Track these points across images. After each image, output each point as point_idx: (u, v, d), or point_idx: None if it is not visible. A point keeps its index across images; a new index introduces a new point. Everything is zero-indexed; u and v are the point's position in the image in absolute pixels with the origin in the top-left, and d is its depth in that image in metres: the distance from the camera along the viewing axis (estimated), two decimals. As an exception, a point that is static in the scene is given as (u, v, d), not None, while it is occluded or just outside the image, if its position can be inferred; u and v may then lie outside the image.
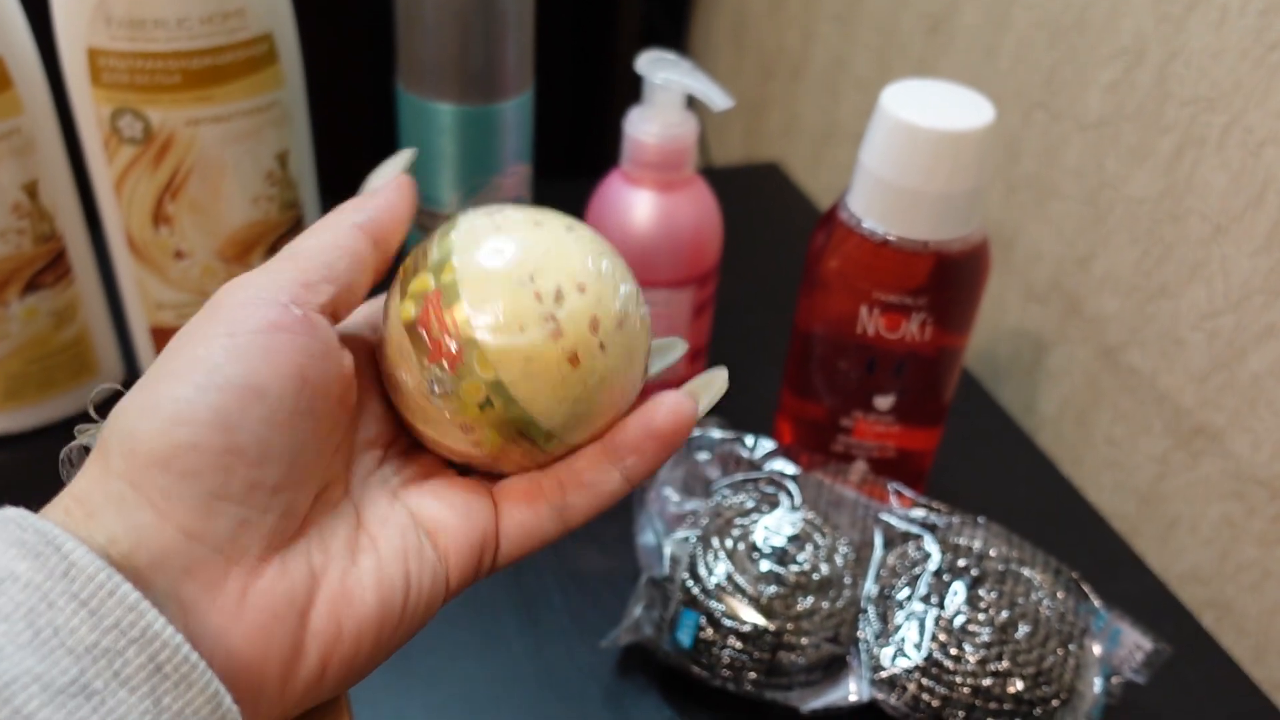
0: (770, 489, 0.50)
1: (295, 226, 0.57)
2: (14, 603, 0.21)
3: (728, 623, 0.45)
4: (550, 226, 0.29)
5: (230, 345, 0.25)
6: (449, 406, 0.28)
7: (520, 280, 0.27)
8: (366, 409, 0.30)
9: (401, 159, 0.31)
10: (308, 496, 0.27)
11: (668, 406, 0.29)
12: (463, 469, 0.32)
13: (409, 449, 0.31)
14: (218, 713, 0.22)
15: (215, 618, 0.24)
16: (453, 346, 0.27)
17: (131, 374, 0.61)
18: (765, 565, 0.46)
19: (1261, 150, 0.50)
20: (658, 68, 0.50)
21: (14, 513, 0.23)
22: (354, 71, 1.00)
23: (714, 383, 0.30)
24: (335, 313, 0.28)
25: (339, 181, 0.81)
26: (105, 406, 0.26)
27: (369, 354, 0.31)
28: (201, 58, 0.49)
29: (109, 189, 0.53)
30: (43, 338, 0.55)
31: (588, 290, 0.28)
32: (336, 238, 0.28)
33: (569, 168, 1.13)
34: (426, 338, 0.27)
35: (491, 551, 0.29)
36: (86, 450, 0.26)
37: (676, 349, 0.32)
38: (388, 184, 0.30)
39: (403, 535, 0.28)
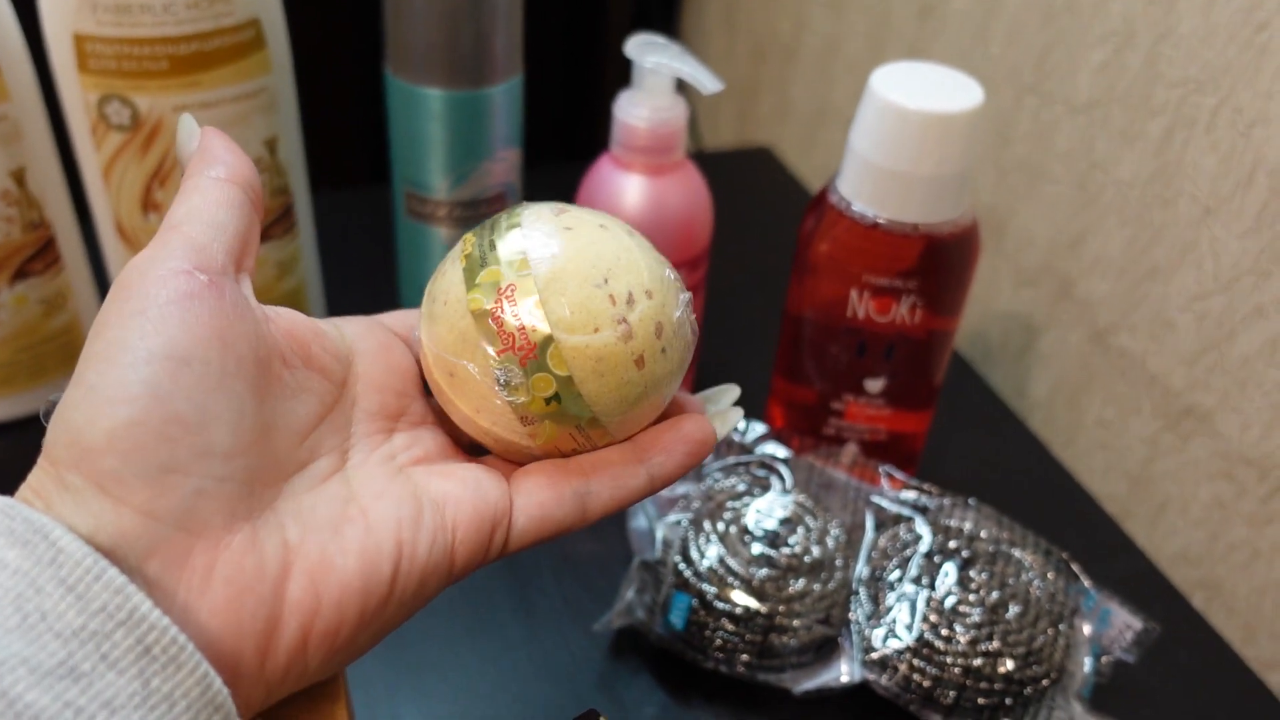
0: (762, 472, 0.50)
1: (285, 212, 0.57)
2: (3, 589, 0.21)
3: (720, 605, 0.45)
4: (614, 231, 0.30)
5: (145, 321, 0.25)
6: (514, 398, 0.28)
7: (595, 282, 0.28)
8: (365, 381, 0.30)
9: (187, 121, 0.31)
10: (274, 462, 0.26)
11: (695, 421, 0.31)
12: (475, 450, 0.32)
13: (418, 424, 0.31)
14: (207, 694, 0.22)
15: (182, 595, 0.24)
16: (527, 341, 0.27)
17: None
18: (757, 548, 0.47)
19: (1251, 131, 0.50)
20: (647, 51, 0.50)
21: (3, 502, 0.23)
22: (342, 57, 1.00)
23: (729, 417, 0.33)
24: (239, 263, 0.28)
25: (328, 167, 0.81)
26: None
27: (363, 341, 0.31)
28: (188, 43, 0.49)
29: (97, 176, 0.53)
30: (32, 326, 0.55)
31: (654, 297, 0.29)
32: (207, 195, 0.28)
33: (558, 152, 1.13)
34: (499, 330, 0.28)
35: (504, 529, 0.29)
36: None
37: (735, 415, 0.33)
38: (205, 136, 0.30)
39: (398, 505, 0.28)
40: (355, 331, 0.31)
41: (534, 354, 0.28)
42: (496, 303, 0.28)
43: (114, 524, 0.23)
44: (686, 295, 0.30)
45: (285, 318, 0.29)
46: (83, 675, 0.21)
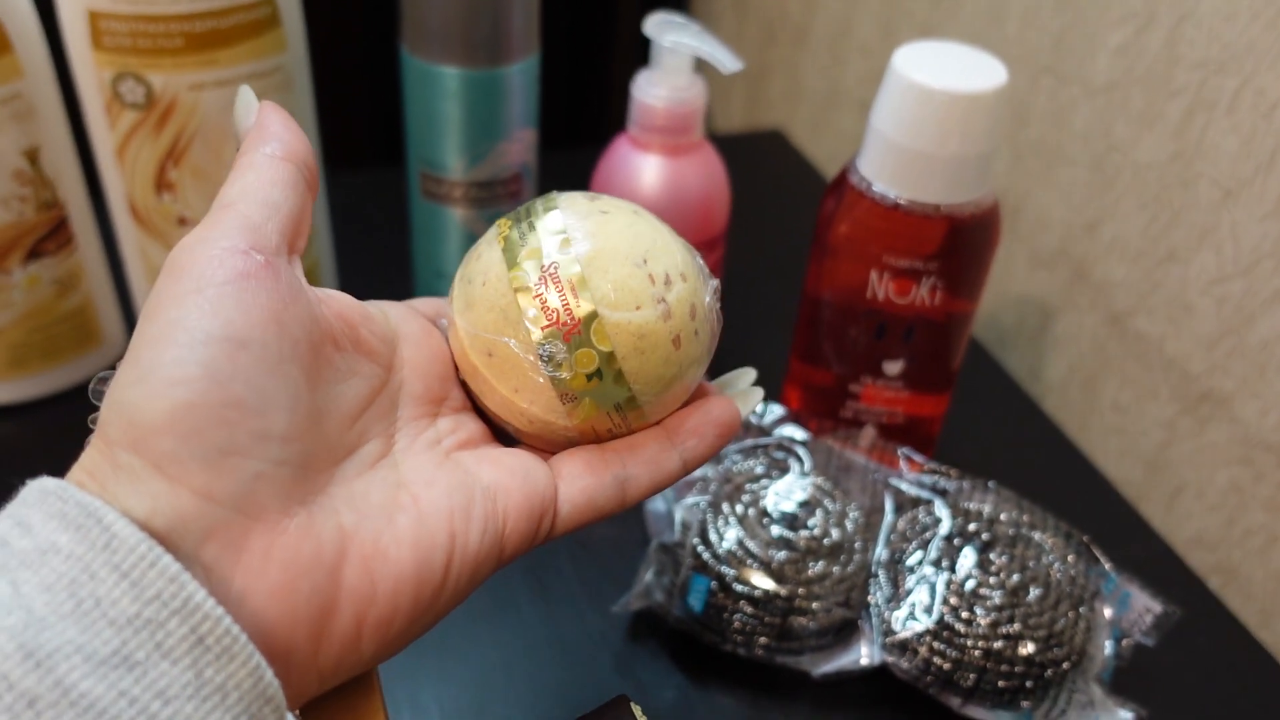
0: (780, 455, 0.50)
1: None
2: (56, 574, 0.21)
3: (738, 588, 0.45)
4: (646, 217, 0.30)
5: (202, 301, 0.24)
6: (556, 375, 0.28)
7: (636, 262, 0.28)
8: (409, 365, 0.30)
9: (246, 94, 0.31)
10: (326, 447, 0.26)
11: (722, 404, 0.31)
12: (506, 439, 0.32)
13: (460, 410, 0.31)
14: (259, 686, 0.22)
15: (239, 579, 0.23)
16: (572, 317, 0.28)
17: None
18: (776, 530, 0.46)
19: (1273, 113, 0.50)
20: (666, 30, 0.50)
21: (53, 484, 0.22)
22: (357, 35, 0.99)
23: (750, 397, 0.33)
24: (292, 245, 0.28)
25: (342, 146, 0.81)
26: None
27: (407, 324, 0.31)
28: (204, 20, 0.49)
29: (111, 155, 0.52)
30: (45, 306, 0.55)
31: (688, 280, 0.29)
32: (262, 174, 0.28)
33: (569, 133, 1.13)
34: (543, 307, 0.28)
35: (550, 517, 0.29)
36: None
37: (756, 395, 0.33)
38: (261, 111, 0.30)
39: (449, 495, 0.28)
40: (398, 315, 0.31)
41: (578, 329, 0.28)
42: (540, 280, 0.28)
43: (171, 506, 0.23)
44: (715, 282, 0.31)
45: (335, 300, 0.29)
46: (137, 664, 0.20)
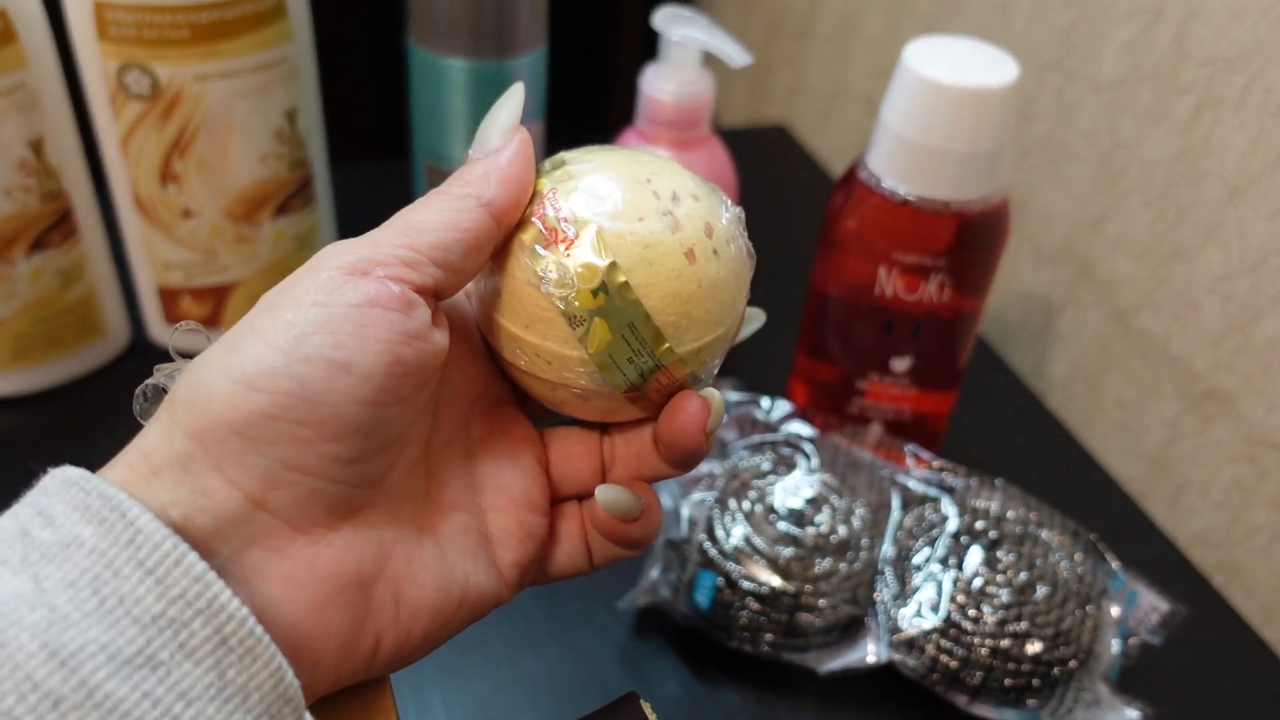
0: (787, 451, 0.50)
1: (304, 185, 0.56)
2: (80, 569, 0.21)
3: (745, 584, 0.45)
4: (653, 155, 0.29)
5: (321, 314, 0.24)
6: (560, 294, 0.26)
7: (638, 180, 0.27)
8: (454, 360, 0.29)
9: (514, 99, 0.28)
10: (384, 465, 0.26)
11: (684, 414, 0.28)
12: (537, 416, 0.31)
13: (492, 405, 0.30)
14: (279, 687, 0.22)
15: (279, 587, 0.23)
16: (570, 230, 0.26)
17: (138, 334, 0.61)
18: (782, 527, 0.46)
19: (1282, 111, 0.50)
20: (674, 24, 0.49)
21: (76, 474, 0.22)
22: (364, 27, 0.99)
23: (753, 319, 0.31)
24: (439, 292, 0.26)
25: (348, 139, 0.81)
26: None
27: (460, 312, 0.30)
28: (210, 11, 0.48)
29: (116, 146, 0.52)
30: (49, 297, 0.54)
31: (701, 200, 0.28)
32: (458, 216, 0.26)
33: (575, 126, 1.12)
34: (542, 226, 0.27)
35: (536, 573, 0.30)
36: (162, 390, 0.25)
37: (757, 319, 0.32)
38: (511, 146, 0.27)
39: (464, 533, 0.28)
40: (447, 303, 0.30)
41: (578, 240, 0.26)
42: (540, 202, 0.27)
43: (222, 505, 0.23)
44: (736, 210, 0.29)
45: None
46: (160, 664, 0.20)
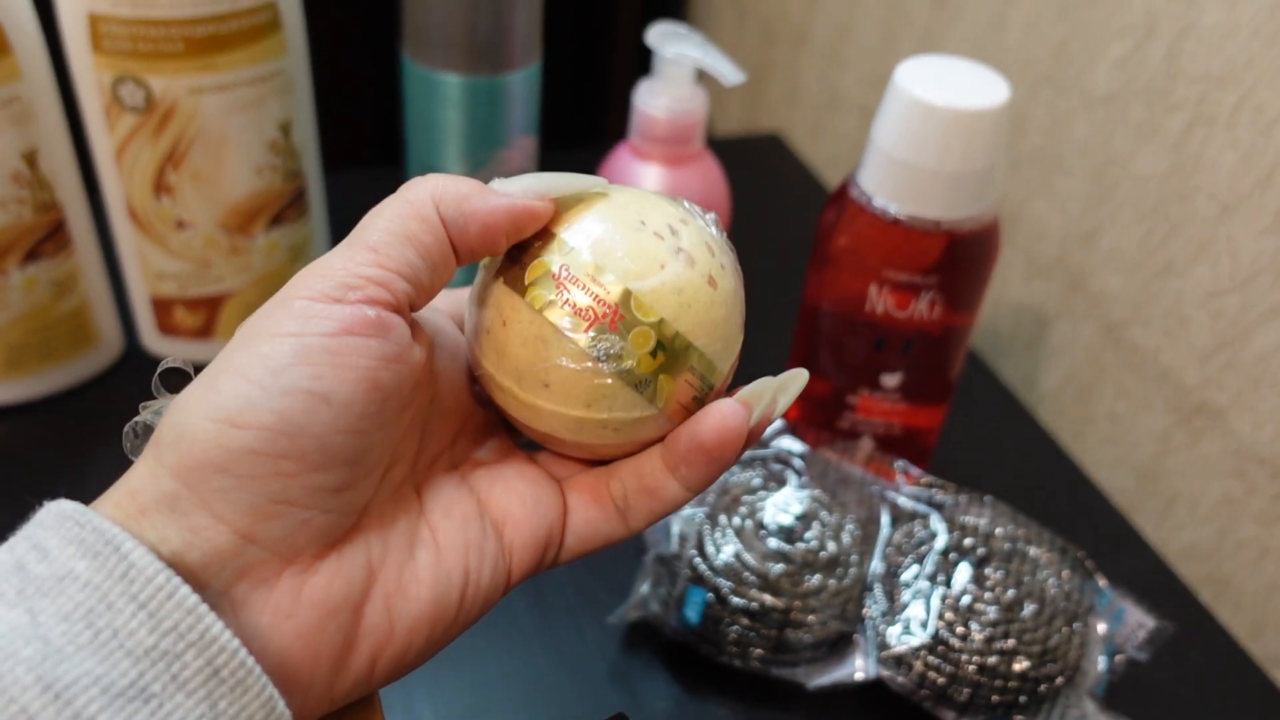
0: (777, 467, 0.50)
1: (298, 196, 0.56)
2: (74, 602, 0.21)
3: (735, 600, 0.45)
4: (614, 189, 0.29)
5: (298, 346, 0.23)
6: (622, 366, 0.27)
7: (635, 226, 0.27)
8: (443, 379, 0.29)
9: (578, 182, 0.28)
10: (370, 488, 0.26)
11: (714, 417, 0.27)
12: (530, 445, 0.31)
13: (480, 430, 0.30)
14: (271, 716, 0.22)
15: (267, 617, 0.23)
16: (608, 306, 0.27)
17: (132, 345, 0.61)
18: (772, 543, 0.47)
19: (1272, 129, 0.50)
20: (668, 41, 0.50)
21: (71, 508, 0.22)
22: (358, 41, 0.99)
23: (791, 383, 0.29)
24: (412, 304, 0.26)
25: (342, 151, 0.81)
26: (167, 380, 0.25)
27: (443, 335, 0.30)
28: (204, 25, 0.49)
29: (110, 158, 0.52)
30: (43, 308, 0.54)
31: (688, 223, 0.28)
32: (427, 237, 0.26)
33: (569, 140, 1.12)
34: (575, 310, 0.27)
35: (556, 547, 0.29)
36: (150, 427, 0.25)
37: (799, 379, 0.30)
38: (523, 202, 0.27)
39: (465, 528, 0.27)
40: (433, 324, 0.29)
41: (620, 314, 0.27)
42: (559, 288, 0.27)
43: (210, 541, 0.23)
44: (711, 214, 0.30)
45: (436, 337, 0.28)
46: (153, 696, 0.21)
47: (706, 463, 0.28)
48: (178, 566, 0.23)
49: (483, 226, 0.26)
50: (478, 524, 0.28)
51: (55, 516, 0.22)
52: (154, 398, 0.26)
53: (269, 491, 0.23)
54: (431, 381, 0.29)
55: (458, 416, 0.30)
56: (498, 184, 0.27)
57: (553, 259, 0.27)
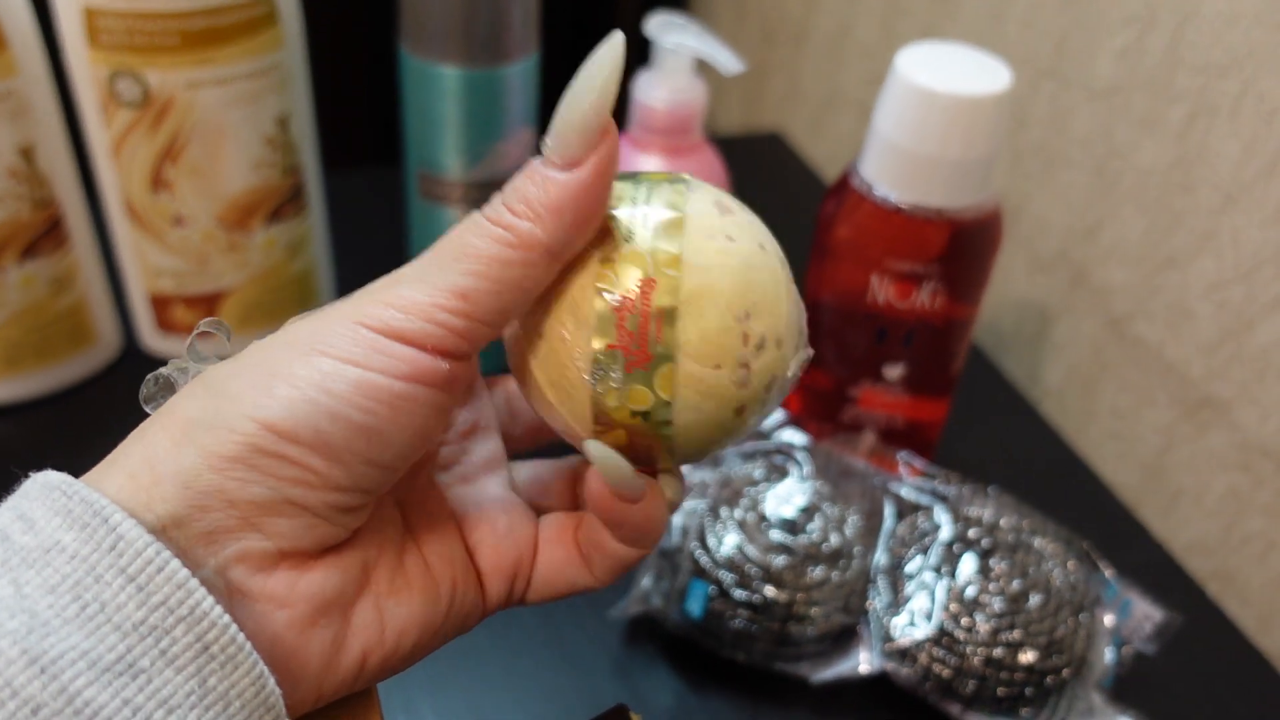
0: (779, 459, 0.50)
1: (296, 192, 0.56)
2: (60, 575, 0.20)
3: (737, 593, 0.45)
4: (770, 256, 0.26)
5: (361, 379, 0.23)
6: (601, 397, 0.25)
7: (738, 315, 0.25)
8: None
9: (608, 67, 0.23)
10: (373, 505, 0.26)
11: (595, 486, 0.26)
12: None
13: (471, 433, 0.30)
14: (261, 694, 0.22)
15: (261, 604, 0.23)
16: (646, 350, 0.24)
17: (130, 342, 0.60)
18: (775, 535, 0.46)
19: (1274, 119, 0.50)
20: (667, 31, 0.49)
21: (58, 479, 0.22)
22: (355, 34, 0.99)
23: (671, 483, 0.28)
24: (476, 348, 0.25)
25: (340, 146, 0.80)
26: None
27: None
28: (200, 18, 0.48)
29: (107, 153, 0.52)
30: (40, 305, 0.54)
31: (783, 347, 0.26)
32: (510, 268, 0.23)
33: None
34: (618, 322, 0.24)
35: (525, 580, 0.29)
36: (171, 383, 0.25)
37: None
38: (591, 164, 0.23)
39: (451, 544, 0.28)
40: None
41: (644, 366, 0.24)
42: (626, 294, 0.24)
43: (216, 519, 0.22)
44: (808, 352, 0.27)
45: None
46: (141, 672, 0.20)
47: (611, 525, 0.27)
48: (181, 533, 0.22)
49: (577, 229, 0.24)
50: (459, 543, 0.28)
51: (41, 487, 0.22)
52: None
53: (288, 494, 0.23)
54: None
55: (464, 426, 0.30)
56: (561, 145, 0.24)
57: (652, 263, 0.24)
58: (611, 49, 0.23)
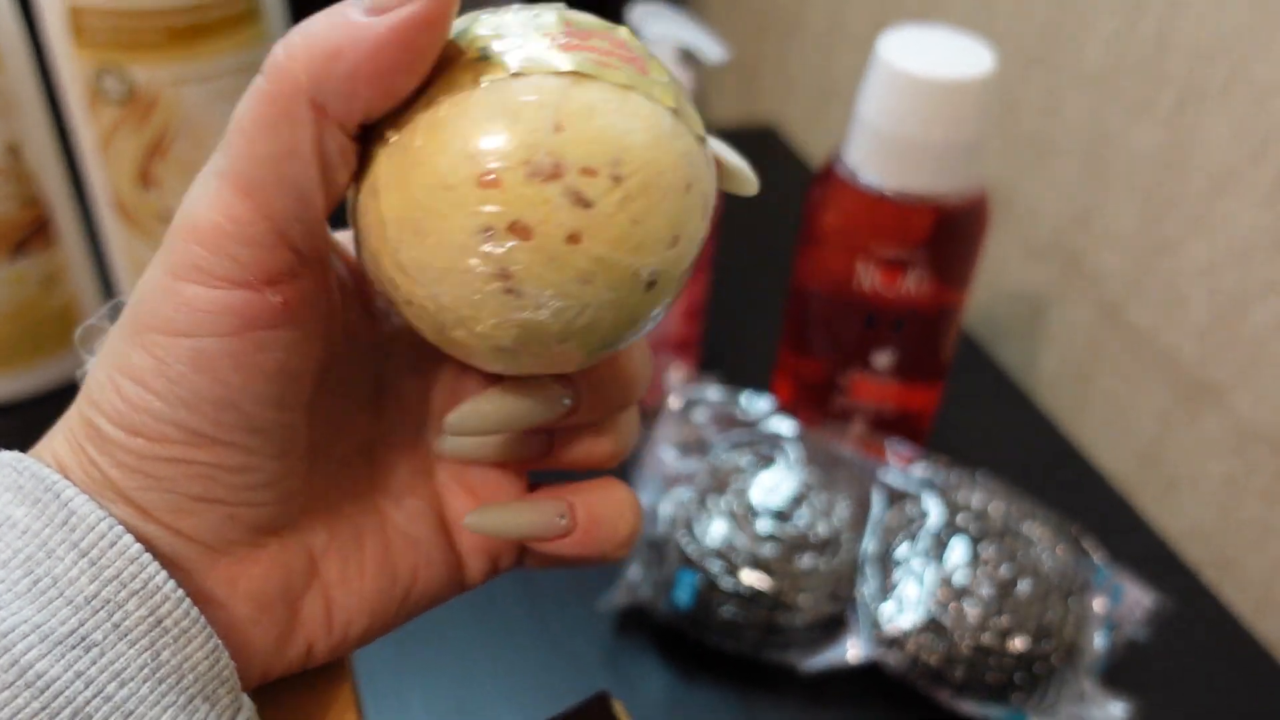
0: (768, 448, 0.50)
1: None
2: (11, 549, 0.20)
3: (725, 582, 0.45)
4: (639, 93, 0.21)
5: (193, 352, 0.20)
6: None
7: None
8: (400, 357, 0.26)
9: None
10: (302, 474, 0.24)
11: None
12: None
13: (454, 376, 0.27)
14: (215, 667, 0.22)
15: (199, 606, 0.22)
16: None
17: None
18: (763, 524, 0.46)
19: (1265, 101, 0.50)
20: (650, 20, 0.49)
21: (9, 456, 0.22)
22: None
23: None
24: (314, 240, 0.21)
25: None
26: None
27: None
28: (185, 15, 0.48)
29: (94, 150, 0.52)
30: (31, 304, 0.54)
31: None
32: (311, 145, 0.19)
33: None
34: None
35: (512, 555, 0.27)
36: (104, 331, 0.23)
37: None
38: (397, 15, 0.19)
39: (414, 522, 0.26)
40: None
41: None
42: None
43: (138, 530, 0.22)
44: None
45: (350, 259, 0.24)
46: (94, 645, 0.20)
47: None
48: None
49: (372, 77, 0.19)
50: (430, 519, 0.26)
51: None
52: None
53: (188, 492, 0.22)
54: (372, 324, 0.25)
55: (419, 391, 0.26)
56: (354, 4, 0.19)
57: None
58: None
